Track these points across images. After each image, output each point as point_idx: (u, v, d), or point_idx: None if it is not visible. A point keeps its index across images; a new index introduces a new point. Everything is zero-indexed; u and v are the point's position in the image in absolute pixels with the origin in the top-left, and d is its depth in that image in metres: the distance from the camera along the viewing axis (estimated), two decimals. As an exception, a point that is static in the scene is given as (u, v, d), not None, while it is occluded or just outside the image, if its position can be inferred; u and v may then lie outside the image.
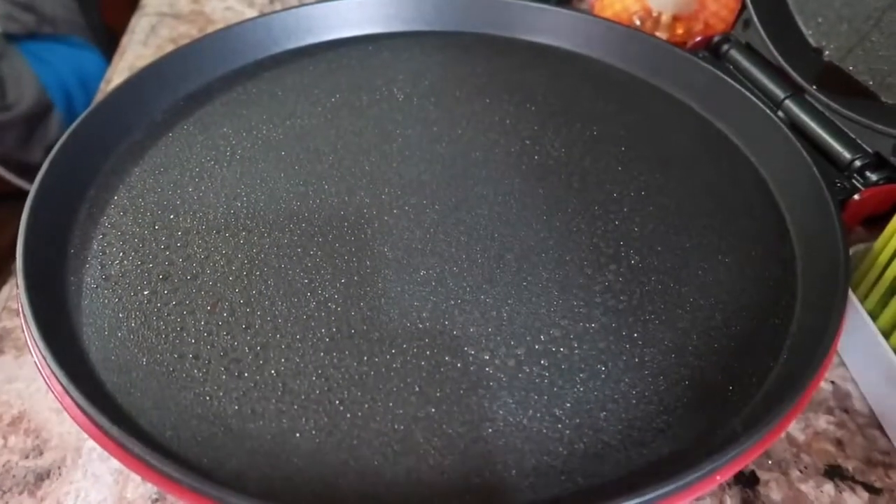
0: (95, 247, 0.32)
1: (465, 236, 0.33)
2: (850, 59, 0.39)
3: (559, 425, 0.27)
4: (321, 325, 0.29)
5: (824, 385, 0.33)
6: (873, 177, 0.35)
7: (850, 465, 0.30)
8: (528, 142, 0.38)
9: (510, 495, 0.25)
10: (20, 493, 0.28)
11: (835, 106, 0.37)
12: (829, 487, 0.29)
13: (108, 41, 0.97)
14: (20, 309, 0.27)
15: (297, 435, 0.26)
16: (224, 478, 0.25)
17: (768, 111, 0.37)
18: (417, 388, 0.27)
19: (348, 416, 0.27)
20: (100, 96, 0.49)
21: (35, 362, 0.26)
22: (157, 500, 0.28)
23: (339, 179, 0.36)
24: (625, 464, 0.26)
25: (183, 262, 0.32)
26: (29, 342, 0.26)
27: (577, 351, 0.29)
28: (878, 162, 0.35)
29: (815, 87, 0.38)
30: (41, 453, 0.30)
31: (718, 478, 0.23)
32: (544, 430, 0.26)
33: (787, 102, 0.39)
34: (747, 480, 0.30)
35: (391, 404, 0.27)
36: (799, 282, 0.32)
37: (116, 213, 0.34)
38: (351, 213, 0.34)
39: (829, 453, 0.31)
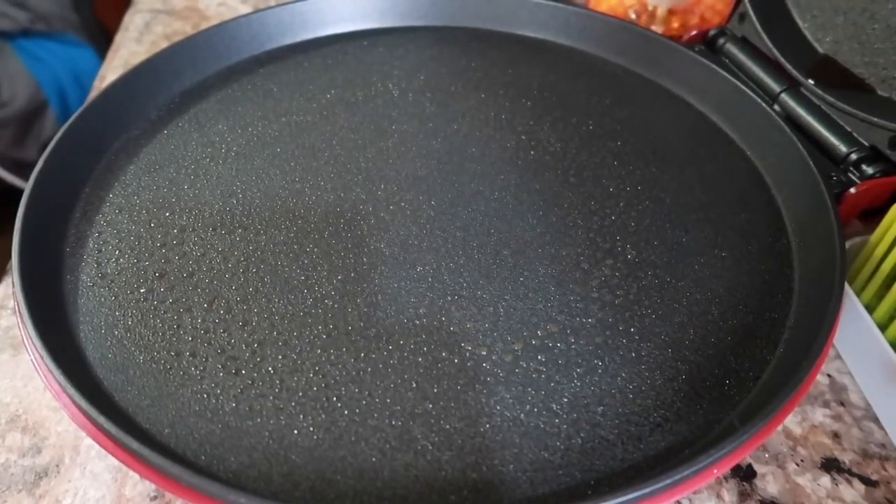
0: (91, 245, 0.32)
1: (461, 232, 0.33)
2: (847, 52, 0.39)
3: (556, 420, 0.27)
4: (318, 321, 0.29)
5: (821, 378, 0.33)
6: (869, 170, 0.35)
7: (846, 458, 0.30)
8: (523, 137, 0.38)
9: (508, 490, 0.25)
10: (18, 491, 0.28)
11: (831, 99, 0.37)
12: (825, 480, 0.30)
13: (102, 38, 0.97)
14: (16, 307, 0.27)
15: (295, 432, 0.26)
16: (222, 475, 0.25)
17: (764, 105, 0.37)
18: (415, 385, 0.27)
19: (346, 412, 0.27)
20: (94, 94, 0.49)
21: (32, 361, 0.26)
22: (155, 497, 0.28)
23: (335, 176, 0.36)
24: (622, 458, 0.26)
25: (179, 259, 0.32)
26: (25, 340, 0.26)
27: (573, 346, 0.29)
28: (874, 155, 0.35)
29: (811, 80, 0.38)
30: (39, 451, 0.30)
31: (715, 471, 0.23)
32: (542, 425, 0.26)
33: (783, 96, 0.39)
34: (744, 474, 0.30)
35: (388, 400, 0.27)
36: (795, 275, 0.32)
37: (112, 210, 0.34)
38: (347, 209, 0.34)
39: (826, 446, 0.31)
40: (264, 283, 0.31)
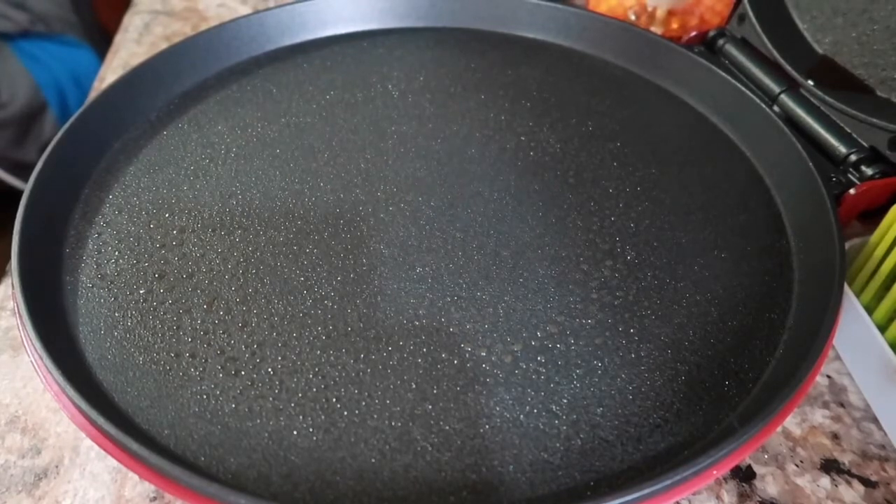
0: (91, 246, 0.32)
1: (460, 233, 0.33)
2: (846, 53, 0.39)
3: (556, 421, 0.27)
4: (317, 322, 0.29)
5: (820, 379, 0.33)
6: (869, 171, 0.35)
7: (846, 459, 0.30)
8: (523, 138, 0.38)
9: (507, 491, 0.25)
10: (18, 492, 0.28)
11: (830, 100, 0.37)
12: (825, 481, 0.30)
13: (102, 39, 0.97)
14: (16, 308, 0.27)
15: (295, 433, 0.26)
16: (222, 476, 0.25)
17: (764, 106, 0.37)
18: (414, 386, 0.27)
19: (345, 413, 0.27)
20: (94, 95, 0.49)
21: (31, 362, 0.26)
22: (154, 498, 0.28)
23: (335, 177, 0.36)
24: (621, 459, 0.26)
25: (178, 260, 0.32)
26: (25, 342, 0.26)
27: (573, 347, 0.29)
28: (873, 156, 0.35)
29: (810, 81, 0.38)
30: (39, 453, 0.30)
31: (715, 472, 0.23)
32: (541, 426, 0.26)
33: (783, 97, 0.39)
34: (744, 475, 0.30)
35: (388, 401, 0.27)
36: (795, 276, 0.32)
37: (111, 211, 0.34)
38: (346, 210, 0.34)
39: (825, 447, 0.31)
40: (264, 284, 0.31)
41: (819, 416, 0.32)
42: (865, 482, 0.29)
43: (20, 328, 0.27)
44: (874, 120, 0.35)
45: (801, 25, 0.41)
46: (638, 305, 0.31)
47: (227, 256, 0.32)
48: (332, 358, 0.28)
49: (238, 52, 0.43)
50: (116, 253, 0.32)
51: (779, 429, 0.31)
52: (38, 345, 0.25)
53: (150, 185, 0.35)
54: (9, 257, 0.29)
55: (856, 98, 0.37)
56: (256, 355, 0.28)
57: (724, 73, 0.40)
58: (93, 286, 0.30)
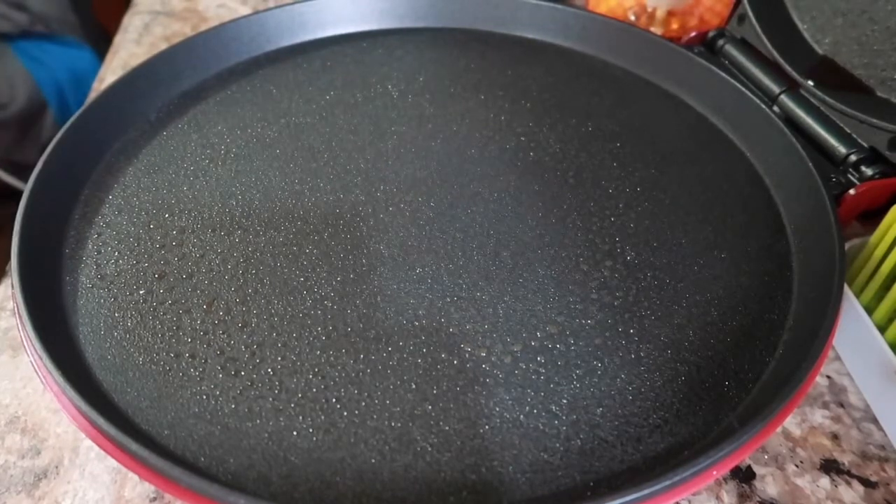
0: (90, 246, 0.32)
1: (460, 233, 0.33)
2: (846, 53, 0.39)
3: (556, 422, 0.27)
4: (317, 323, 0.29)
5: (820, 380, 0.33)
6: (869, 171, 0.35)
7: (845, 459, 0.30)
8: (523, 138, 0.38)
9: (507, 491, 0.25)
10: (18, 493, 0.28)
11: (830, 101, 0.37)
12: (825, 481, 0.29)
13: (102, 40, 0.97)
14: (16, 309, 0.27)
15: (294, 433, 0.26)
16: (221, 476, 0.25)
17: (764, 106, 0.37)
18: (414, 386, 0.27)
19: (345, 413, 0.27)
20: (93, 95, 0.49)
21: (31, 362, 0.26)
22: (154, 499, 0.28)
23: (334, 177, 0.36)
24: (621, 459, 0.26)
25: (178, 261, 0.32)
26: (25, 342, 0.26)
27: (573, 347, 0.29)
28: (873, 156, 0.35)
29: (810, 81, 0.38)
30: (38, 453, 0.30)
31: (715, 473, 0.23)
32: (541, 427, 0.26)
33: (783, 97, 0.39)
34: (744, 475, 0.30)
35: (388, 402, 0.27)
36: (795, 277, 0.32)
37: (111, 212, 0.34)
38: (346, 210, 0.34)
39: (825, 447, 0.31)
40: (263, 284, 0.31)
41: (819, 416, 0.32)
42: (865, 482, 0.29)
43: (20, 328, 0.27)
44: (874, 120, 0.35)
45: (800, 26, 0.41)
46: (638, 306, 0.31)
47: (226, 256, 0.32)
48: (331, 358, 0.28)
49: (238, 53, 0.43)
50: (116, 253, 0.32)
51: (779, 429, 0.31)
52: (38, 345, 0.25)
53: (150, 186, 0.35)
54: (9, 257, 0.29)
55: (856, 98, 0.37)
56: (256, 356, 0.28)
57: (724, 74, 0.40)
58: (93, 286, 0.30)
